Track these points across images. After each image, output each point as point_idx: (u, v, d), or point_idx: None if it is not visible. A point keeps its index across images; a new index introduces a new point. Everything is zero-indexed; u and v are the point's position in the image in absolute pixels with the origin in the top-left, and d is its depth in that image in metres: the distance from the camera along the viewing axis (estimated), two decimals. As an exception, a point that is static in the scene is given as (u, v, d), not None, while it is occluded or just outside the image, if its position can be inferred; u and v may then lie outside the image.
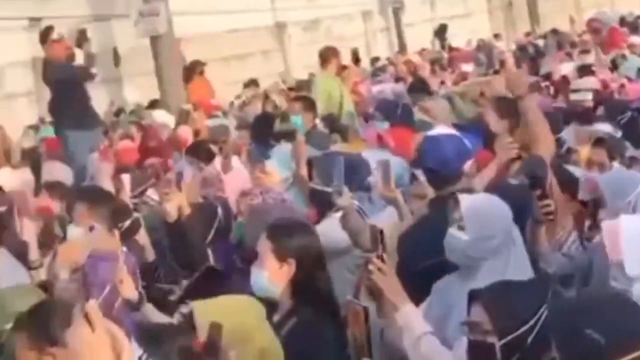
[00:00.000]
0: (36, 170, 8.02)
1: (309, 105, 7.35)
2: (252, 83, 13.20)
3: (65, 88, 8.69)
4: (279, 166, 5.34)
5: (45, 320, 2.73)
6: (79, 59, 9.09)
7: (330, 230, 3.84)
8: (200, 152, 6.69)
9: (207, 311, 2.81)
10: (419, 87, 9.17)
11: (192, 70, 12.63)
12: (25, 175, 7.89)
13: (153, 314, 3.37)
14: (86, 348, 1.63)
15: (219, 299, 2.95)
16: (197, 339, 2.38)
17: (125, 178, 6.22)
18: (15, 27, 11.77)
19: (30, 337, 2.73)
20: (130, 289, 3.31)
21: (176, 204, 4.47)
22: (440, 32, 19.50)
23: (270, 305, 3.17)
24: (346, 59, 12.66)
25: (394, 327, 2.99)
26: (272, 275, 3.17)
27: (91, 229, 3.86)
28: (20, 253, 4.84)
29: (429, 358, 2.94)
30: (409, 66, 13.28)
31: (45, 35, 8.97)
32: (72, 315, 2.62)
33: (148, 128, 9.01)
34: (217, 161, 6.59)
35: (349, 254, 3.84)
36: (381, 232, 3.05)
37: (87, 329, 1.63)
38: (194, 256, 4.20)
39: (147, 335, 2.31)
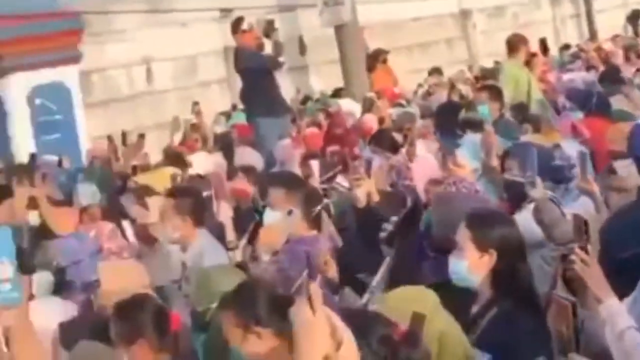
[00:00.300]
0: (228, 155, 8.33)
1: (496, 94, 7.19)
2: (436, 71, 13.09)
3: (256, 76, 8.97)
4: (469, 157, 5.27)
5: (250, 299, 2.83)
6: (268, 48, 9.35)
7: (526, 222, 3.76)
8: (383, 141, 6.70)
9: (387, 300, 2.84)
10: (612, 76, 8.80)
11: (375, 59, 12.69)
12: (218, 159, 8.22)
13: (350, 298, 3.43)
14: (306, 329, 1.64)
15: (394, 291, 2.97)
16: (398, 327, 2.38)
17: (314, 164, 6.34)
18: (208, 18, 12.26)
19: (237, 315, 2.83)
20: (333, 271, 3.37)
21: (365, 190, 4.53)
22: (634, 17, 18.55)
23: (469, 295, 3.15)
24: (533, 46, 12.30)
25: (596, 319, 2.91)
26: (472, 264, 3.14)
27: (289, 213, 3.98)
28: (218, 234, 5.05)
29: (632, 353, 2.85)
30: (601, 53, 12.75)
31: (236, 26, 9.29)
32: (276, 296, 2.72)
33: (335, 115, 9.15)
34: (403, 149, 6.58)
35: (546, 246, 3.74)
36: (585, 222, 2.95)
37: (309, 310, 1.64)
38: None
39: (349, 321, 2.34)
